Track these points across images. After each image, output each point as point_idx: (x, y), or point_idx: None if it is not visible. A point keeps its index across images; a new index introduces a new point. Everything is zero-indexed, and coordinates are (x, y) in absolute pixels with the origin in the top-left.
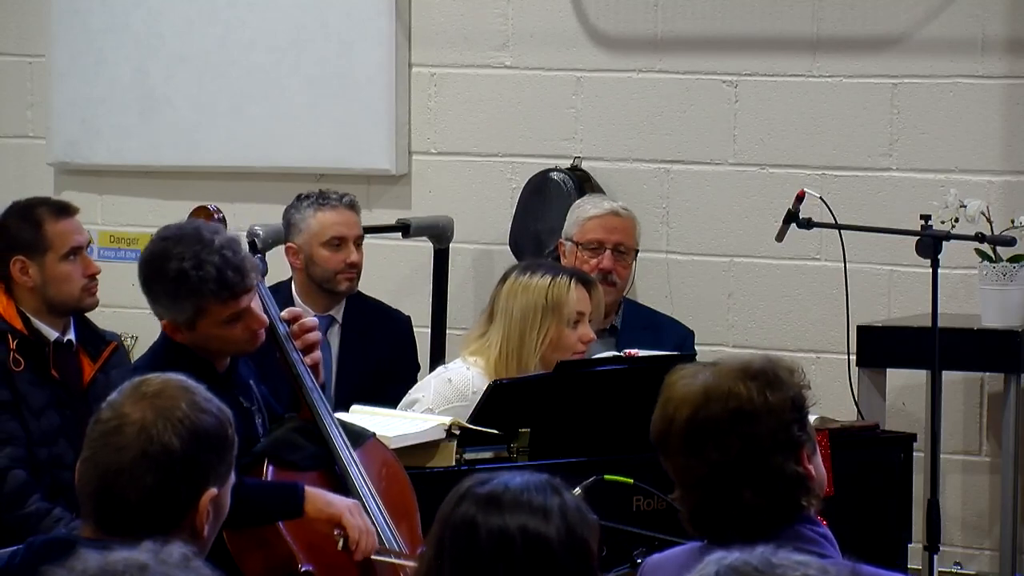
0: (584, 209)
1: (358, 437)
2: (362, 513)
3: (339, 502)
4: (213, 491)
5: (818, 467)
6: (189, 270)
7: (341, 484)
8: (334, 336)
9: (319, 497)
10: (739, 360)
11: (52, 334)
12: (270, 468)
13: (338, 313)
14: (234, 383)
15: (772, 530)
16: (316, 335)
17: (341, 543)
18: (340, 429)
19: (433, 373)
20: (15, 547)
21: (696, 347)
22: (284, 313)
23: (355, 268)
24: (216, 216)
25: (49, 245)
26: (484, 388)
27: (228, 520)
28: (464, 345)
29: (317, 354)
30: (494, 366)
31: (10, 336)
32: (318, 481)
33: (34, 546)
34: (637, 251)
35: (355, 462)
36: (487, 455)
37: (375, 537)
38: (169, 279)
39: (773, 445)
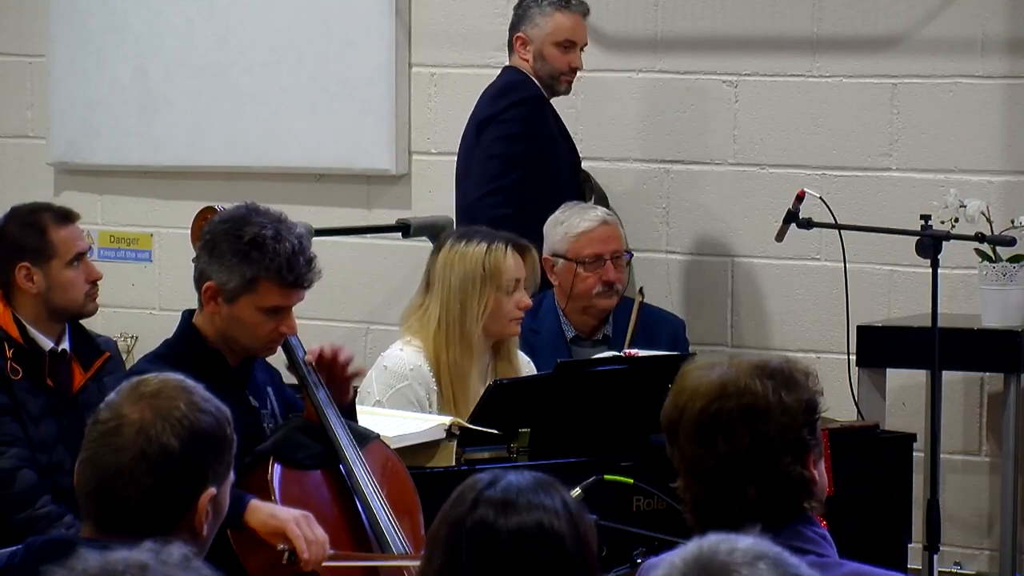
0: (572, 224)
1: (363, 437)
2: (312, 524)
3: (283, 514)
4: (212, 491)
5: (822, 474)
6: (268, 239)
7: (346, 483)
8: None
9: (262, 509)
10: (756, 357)
11: (48, 343)
12: (276, 467)
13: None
14: (244, 381)
15: (772, 528)
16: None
17: (286, 557)
18: (345, 428)
19: (372, 366)
20: (15, 547)
21: (696, 347)
22: (307, 354)
23: (575, 72)
24: None
25: (54, 252)
26: (420, 363)
27: None
28: (404, 317)
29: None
30: (433, 338)
31: (6, 345)
32: (323, 480)
33: (34, 546)
34: (631, 252)
35: (360, 461)
36: (487, 455)
37: (326, 547)
38: (244, 240)
39: (782, 445)
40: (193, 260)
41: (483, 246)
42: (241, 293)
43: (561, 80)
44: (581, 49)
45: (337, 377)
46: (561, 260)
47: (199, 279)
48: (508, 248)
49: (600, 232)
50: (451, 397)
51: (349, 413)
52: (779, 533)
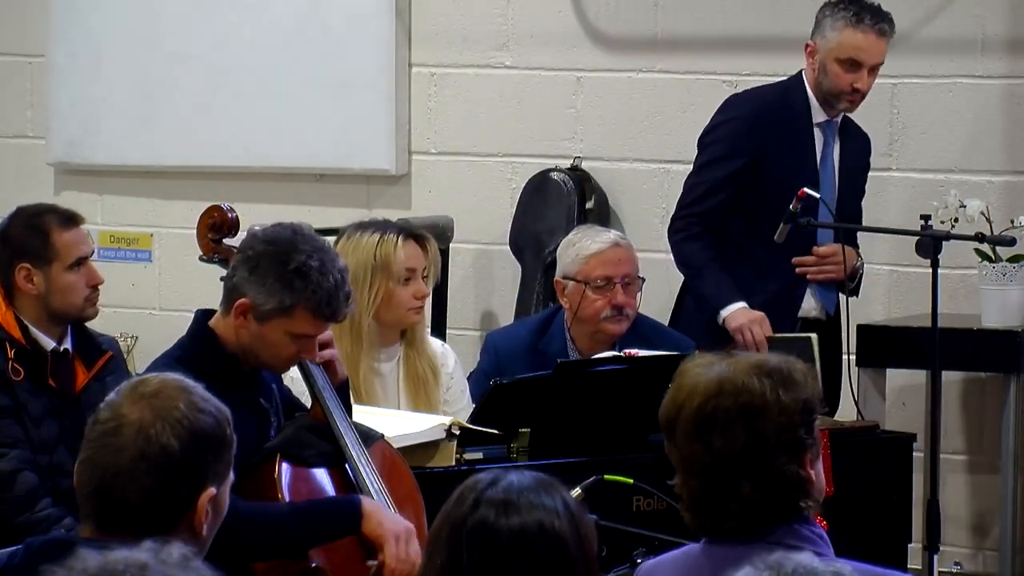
0: (583, 245)
1: (368, 437)
2: (411, 540)
3: (391, 526)
4: (212, 491)
5: (819, 474)
6: (313, 270)
7: (351, 481)
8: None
9: (376, 516)
10: (755, 356)
11: (49, 344)
12: (284, 464)
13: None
14: (257, 385)
15: (768, 526)
16: (327, 338)
17: (374, 570)
18: (351, 428)
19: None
20: (14, 547)
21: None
22: None
23: (859, 94)
24: (230, 215)
25: (56, 255)
26: None
27: (291, 548)
28: None
29: (331, 351)
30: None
31: (8, 345)
32: (329, 478)
33: (33, 546)
34: (643, 279)
35: (365, 460)
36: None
37: (415, 566)
38: (290, 268)
39: (778, 444)
40: (210, 261)
41: (375, 236)
42: (274, 316)
43: (842, 99)
44: (872, 70)
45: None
46: (571, 282)
47: (232, 291)
48: (400, 238)
49: (611, 254)
50: (354, 386)
51: (342, 392)
52: (775, 531)
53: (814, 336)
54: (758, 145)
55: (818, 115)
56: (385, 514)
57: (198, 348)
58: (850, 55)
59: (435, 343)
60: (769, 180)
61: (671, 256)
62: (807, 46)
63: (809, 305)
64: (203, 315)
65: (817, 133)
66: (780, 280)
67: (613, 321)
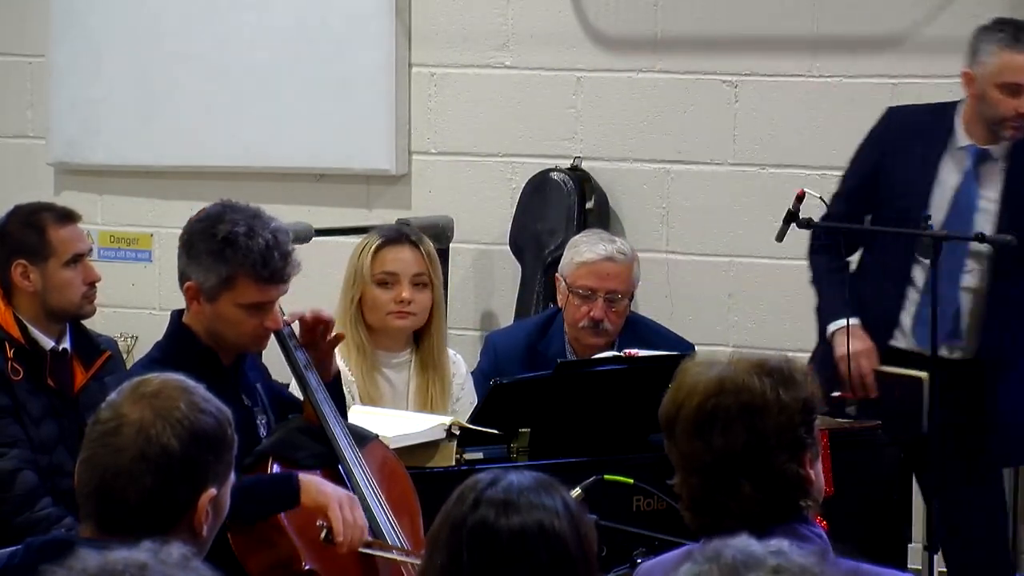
0: (579, 251)
1: (362, 438)
2: (355, 507)
3: (331, 492)
4: (212, 491)
5: (818, 474)
6: (240, 236)
7: (345, 483)
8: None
9: (313, 485)
10: (756, 356)
11: (48, 343)
12: (275, 466)
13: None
14: (238, 380)
15: (768, 525)
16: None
17: (324, 534)
18: (344, 429)
19: None
20: (14, 547)
21: (697, 349)
22: (287, 316)
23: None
24: None
25: (52, 251)
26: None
27: (231, 518)
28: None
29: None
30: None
31: (7, 345)
32: (323, 480)
33: (33, 546)
34: (632, 294)
35: (359, 461)
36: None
37: (364, 532)
38: (217, 239)
39: (778, 443)
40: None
41: (363, 241)
42: (220, 291)
43: (1006, 125)
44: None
45: (319, 344)
46: (563, 283)
47: (180, 279)
48: (380, 241)
49: (600, 267)
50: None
51: (333, 388)
52: (774, 531)
53: (925, 376)
54: (878, 159)
55: (963, 139)
56: (325, 484)
57: (175, 346)
58: (1010, 79)
59: (449, 352)
60: (883, 195)
61: (671, 256)
62: (964, 74)
63: (901, 336)
64: (178, 314)
65: (952, 158)
66: (879, 304)
67: (589, 333)
